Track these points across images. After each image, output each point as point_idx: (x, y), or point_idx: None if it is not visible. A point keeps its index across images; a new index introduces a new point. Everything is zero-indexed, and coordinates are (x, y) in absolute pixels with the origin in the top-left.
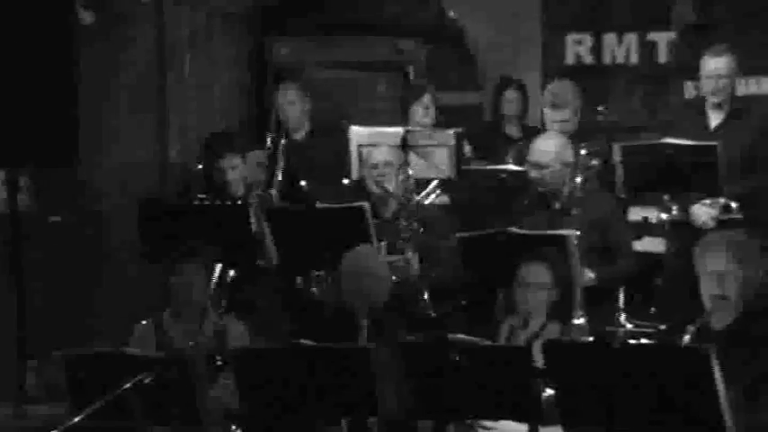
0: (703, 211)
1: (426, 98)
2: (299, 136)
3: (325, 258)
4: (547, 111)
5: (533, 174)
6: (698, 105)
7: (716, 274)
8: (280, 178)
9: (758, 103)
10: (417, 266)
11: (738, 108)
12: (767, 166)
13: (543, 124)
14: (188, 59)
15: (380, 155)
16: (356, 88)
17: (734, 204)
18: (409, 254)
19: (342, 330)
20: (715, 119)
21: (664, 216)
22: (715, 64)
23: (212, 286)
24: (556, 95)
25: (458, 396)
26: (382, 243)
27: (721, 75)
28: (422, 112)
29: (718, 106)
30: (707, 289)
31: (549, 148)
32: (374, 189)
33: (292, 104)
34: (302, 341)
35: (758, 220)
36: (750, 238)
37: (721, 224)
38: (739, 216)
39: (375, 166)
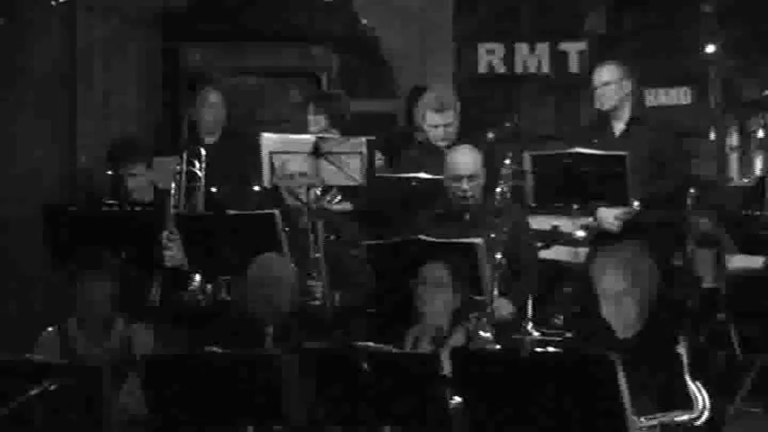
0: (611, 214)
1: (311, 108)
2: (212, 140)
3: (235, 265)
4: (430, 114)
5: (454, 185)
6: (603, 114)
7: (613, 294)
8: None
9: (666, 113)
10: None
11: (638, 117)
12: (668, 171)
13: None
14: (99, 65)
15: (295, 165)
16: (267, 95)
17: (636, 203)
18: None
19: (247, 337)
20: (618, 127)
21: (580, 233)
22: (600, 74)
23: (117, 294)
24: (439, 99)
25: (365, 403)
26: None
27: (608, 82)
28: (313, 121)
29: (617, 114)
30: (606, 309)
31: (469, 160)
32: (288, 199)
33: (211, 108)
34: (208, 348)
35: (659, 225)
36: (641, 250)
37: (626, 226)
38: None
39: (290, 177)
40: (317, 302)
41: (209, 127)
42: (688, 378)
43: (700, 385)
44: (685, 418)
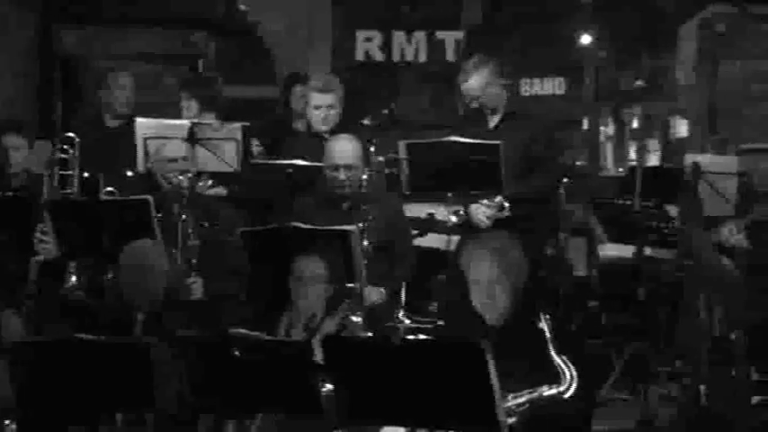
0: (480, 211)
1: (183, 94)
2: (116, 124)
3: (108, 251)
4: (314, 95)
5: (334, 175)
6: (476, 108)
7: (483, 283)
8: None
9: (542, 103)
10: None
11: (513, 111)
12: (541, 166)
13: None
14: None
15: (172, 150)
16: (144, 80)
17: (506, 204)
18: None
19: (119, 324)
20: (492, 120)
21: (453, 218)
22: (469, 78)
23: None
24: (325, 80)
25: (238, 391)
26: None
27: (477, 87)
28: (185, 107)
29: (493, 111)
30: (477, 297)
31: (348, 149)
32: (164, 184)
33: (123, 90)
34: (78, 334)
35: (532, 214)
36: (512, 239)
37: (496, 223)
38: (510, 214)
39: (165, 162)
40: (195, 297)
41: (117, 110)
42: (553, 353)
43: (565, 359)
44: (553, 392)
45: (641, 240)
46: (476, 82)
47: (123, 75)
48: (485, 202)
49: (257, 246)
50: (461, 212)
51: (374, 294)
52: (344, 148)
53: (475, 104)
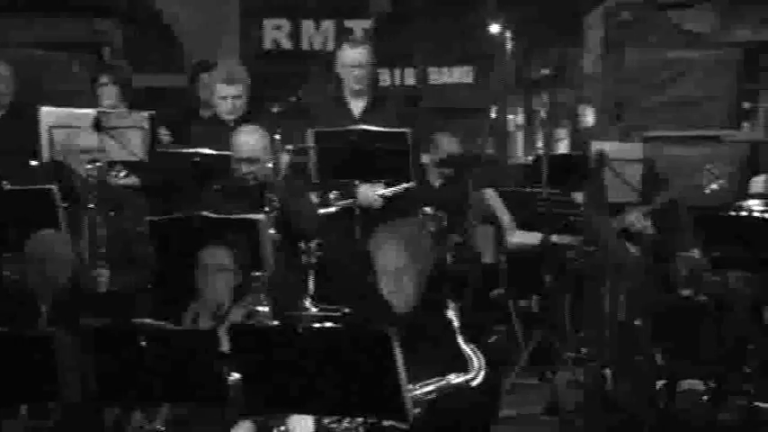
0: (370, 190)
1: (103, 79)
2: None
3: (12, 241)
4: (220, 86)
5: (243, 168)
6: (338, 95)
7: (391, 270)
8: None
9: (450, 92)
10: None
11: (380, 96)
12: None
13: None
14: None
15: (79, 139)
16: (49, 68)
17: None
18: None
19: (23, 315)
20: (357, 107)
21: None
22: (354, 54)
23: None
24: (230, 71)
25: (143, 381)
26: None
27: (361, 64)
28: (106, 93)
29: (360, 94)
30: (385, 284)
31: (252, 141)
32: (72, 175)
33: (1, 82)
34: None
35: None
36: (420, 227)
37: (387, 201)
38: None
39: (73, 151)
40: (101, 288)
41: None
42: (461, 341)
43: (473, 347)
44: (461, 380)
45: (548, 228)
46: (361, 55)
47: (2, 65)
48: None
49: (164, 235)
50: (335, 199)
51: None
52: (248, 141)
53: (359, 86)
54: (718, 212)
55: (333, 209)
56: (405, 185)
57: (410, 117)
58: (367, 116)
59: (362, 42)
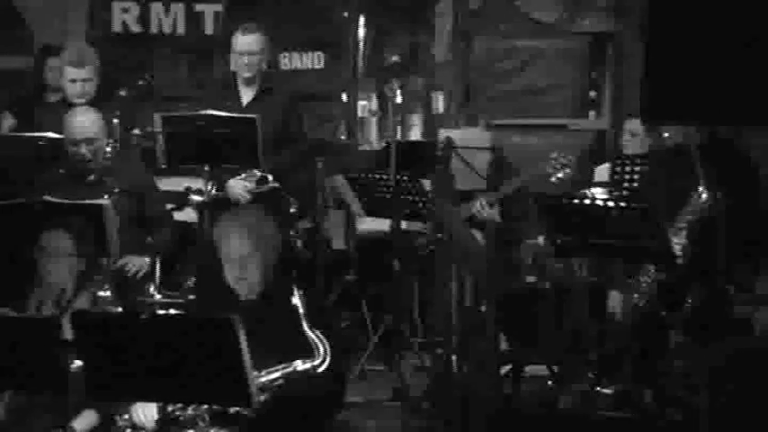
0: (240, 185)
1: None
2: None
3: None
4: (69, 69)
5: (79, 150)
6: (229, 81)
7: (236, 258)
8: None
9: (300, 77)
10: None
11: (269, 85)
12: (296, 140)
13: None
14: None
15: None
16: None
17: (270, 177)
18: None
19: None
20: (246, 95)
21: (196, 198)
22: (246, 41)
23: None
24: (80, 53)
25: None
26: None
27: (253, 51)
28: None
29: (250, 82)
30: (229, 272)
31: (86, 123)
32: None
33: None
34: None
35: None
36: (264, 215)
37: (257, 197)
38: (273, 186)
39: None
40: None
41: None
42: (306, 327)
43: (319, 333)
44: (307, 366)
45: (397, 214)
46: (253, 42)
47: None
48: (243, 176)
49: (5, 220)
50: (202, 191)
51: (137, 262)
52: (82, 122)
53: (248, 73)
54: (561, 200)
55: (203, 198)
56: (273, 184)
57: (294, 112)
58: (253, 105)
59: (255, 30)
